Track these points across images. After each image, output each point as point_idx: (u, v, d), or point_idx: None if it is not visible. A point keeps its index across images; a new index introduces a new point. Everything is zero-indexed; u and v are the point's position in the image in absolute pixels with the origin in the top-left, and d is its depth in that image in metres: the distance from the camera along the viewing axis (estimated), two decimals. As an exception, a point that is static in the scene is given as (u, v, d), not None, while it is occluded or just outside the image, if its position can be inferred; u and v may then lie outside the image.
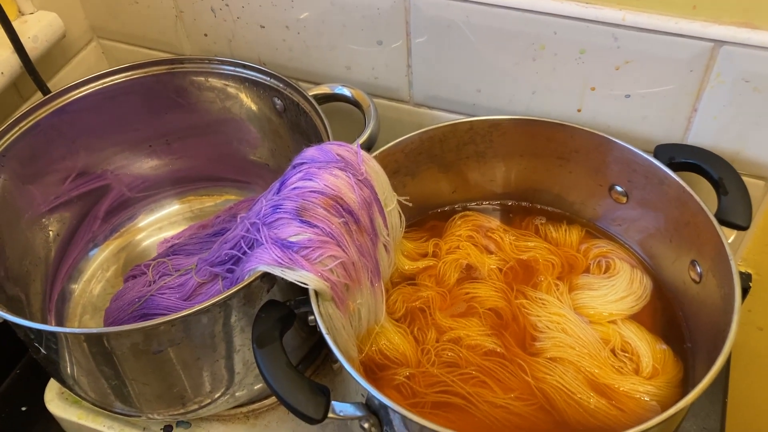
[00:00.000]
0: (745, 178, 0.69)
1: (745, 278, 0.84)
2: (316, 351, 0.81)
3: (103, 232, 0.90)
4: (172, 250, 0.84)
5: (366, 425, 0.58)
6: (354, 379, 0.56)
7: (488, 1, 0.71)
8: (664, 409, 0.54)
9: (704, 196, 0.67)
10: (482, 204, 0.85)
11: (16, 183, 0.78)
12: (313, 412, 0.55)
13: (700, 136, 0.73)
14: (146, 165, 0.91)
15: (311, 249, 0.61)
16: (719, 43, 0.65)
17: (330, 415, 0.56)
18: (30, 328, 0.63)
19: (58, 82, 0.91)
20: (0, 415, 0.85)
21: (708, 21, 0.65)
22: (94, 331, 0.62)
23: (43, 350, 0.66)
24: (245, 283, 0.61)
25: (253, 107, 0.85)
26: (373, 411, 0.58)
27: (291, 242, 0.61)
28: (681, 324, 0.72)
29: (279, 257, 0.61)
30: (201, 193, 0.95)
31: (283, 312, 0.61)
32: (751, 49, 0.64)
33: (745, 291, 0.84)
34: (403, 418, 0.54)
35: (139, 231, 0.92)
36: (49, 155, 0.81)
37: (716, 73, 0.67)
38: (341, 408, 0.57)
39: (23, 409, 0.86)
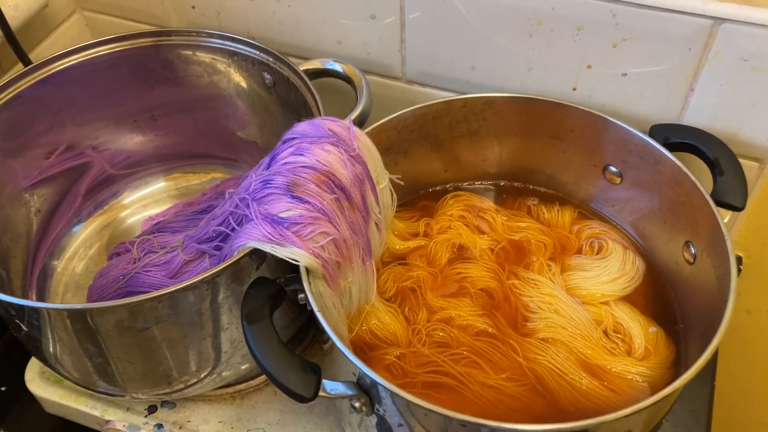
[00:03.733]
0: (740, 160, 0.68)
1: (736, 261, 0.83)
2: (303, 332, 0.79)
3: (87, 208, 0.88)
4: (158, 227, 0.83)
5: (357, 404, 0.57)
6: (345, 357, 0.55)
7: (485, -25, 0.69)
8: (656, 390, 0.53)
9: (699, 178, 0.66)
10: (474, 184, 0.83)
11: (-3, 156, 0.76)
12: (303, 390, 0.54)
13: (697, 116, 0.72)
14: (131, 141, 0.89)
15: (302, 225, 0.60)
16: (719, 20, 0.64)
17: (321, 393, 0.55)
18: (11, 304, 0.61)
19: (38, 55, 0.89)
20: (-21, 395, 0.84)
21: (708, -2, 0.64)
22: (78, 307, 0.60)
23: (24, 327, 0.64)
24: (234, 260, 0.60)
25: (242, 82, 0.83)
26: (365, 390, 0.57)
27: (282, 218, 0.60)
28: (673, 305, 0.71)
29: (269, 233, 0.59)
30: (187, 171, 0.93)
31: (273, 289, 0.60)
32: (752, 27, 0.63)
33: (735, 274, 0.84)
34: (396, 396, 0.53)
35: (123, 208, 0.90)
36: (32, 128, 0.79)
37: (715, 52, 0.66)
38: (332, 386, 0.56)
39: (3, 389, 0.84)
